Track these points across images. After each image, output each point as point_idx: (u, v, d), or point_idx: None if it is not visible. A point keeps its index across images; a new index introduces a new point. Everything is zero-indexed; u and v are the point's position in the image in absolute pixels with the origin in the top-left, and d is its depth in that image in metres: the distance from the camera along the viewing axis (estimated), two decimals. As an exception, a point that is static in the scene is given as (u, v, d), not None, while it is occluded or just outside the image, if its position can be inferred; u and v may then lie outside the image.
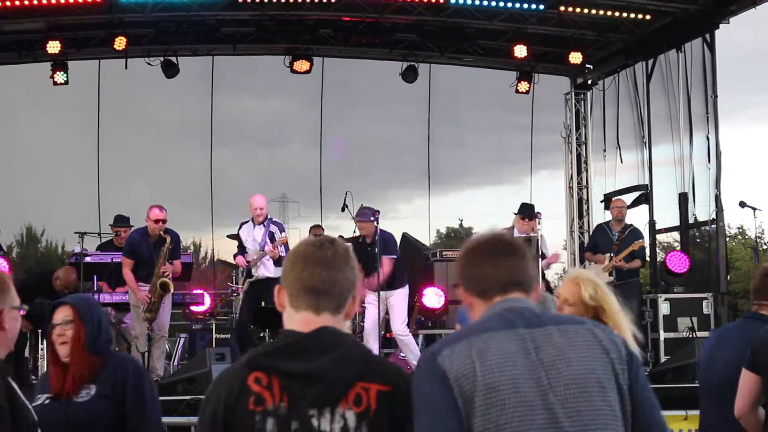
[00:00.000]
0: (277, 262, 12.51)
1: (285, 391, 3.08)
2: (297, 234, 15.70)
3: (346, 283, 3.22)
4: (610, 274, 13.60)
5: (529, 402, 2.98)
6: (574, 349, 3.10)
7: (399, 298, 12.75)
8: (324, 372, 3.06)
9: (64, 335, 5.05)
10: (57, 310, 5.12)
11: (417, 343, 14.23)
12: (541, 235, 13.54)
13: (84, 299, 5.38)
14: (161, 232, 12.21)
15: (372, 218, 12.69)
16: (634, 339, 4.80)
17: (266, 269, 12.61)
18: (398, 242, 16.66)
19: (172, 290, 12.10)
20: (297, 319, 3.18)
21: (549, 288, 14.14)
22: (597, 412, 3.03)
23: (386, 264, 12.65)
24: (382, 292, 12.45)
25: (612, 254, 13.63)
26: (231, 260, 15.03)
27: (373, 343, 12.44)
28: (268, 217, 12.96)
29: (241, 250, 13.10)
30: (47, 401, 5.08)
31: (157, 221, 12.19)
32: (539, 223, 13.85)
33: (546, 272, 13.87)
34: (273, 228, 12.74)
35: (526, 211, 13.52)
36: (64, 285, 12.45)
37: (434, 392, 3.00)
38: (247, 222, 13.02)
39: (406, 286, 13.01)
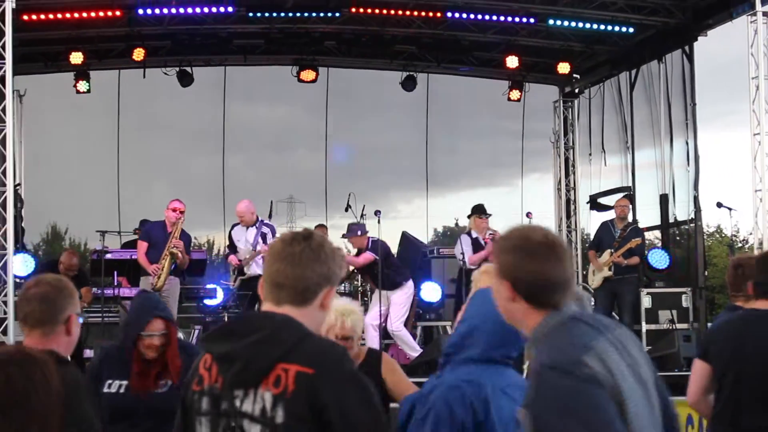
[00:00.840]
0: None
1: (220, 373, 3.03)
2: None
3: (314, 277, 3.11)
4: (609, 269, 13.57)
5: (642, 398, 2.96)
6: (636, 350, 3.07)
7: (400, 297, 12.73)
8: (241, 353, 2.97)
9: (152, 346, 5.21)
10: (151, 322, 5.23)
11: (416, 335, 14.24)
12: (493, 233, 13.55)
13: (163, 305, 5.58)
14: (178, 221, 12.24)
15: (359, 232, 12.77)
16: None
17: (258, 267, 12.59)
18: (398, 241, 16.72)
19: (180, 258, 12.04)
20: (262, 309, 3.15)
21: None
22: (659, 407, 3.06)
23: (363, 257, 12.71)
24: (384, 291, 12.49)
25: (612, 250, 13.57)
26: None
27: (372, 333, 12.46)
28: (259, 219, 12.96)
29: (232, 249, 13.13)
30: (123, 390, 5.21)
31: (174, 210, 12.19)
32: (530, 223, 13.79)
33: None
34: (265, 229, 12.75)
35: (480, 209, 13.50)
36: (66, 268, 12.44)
37: (598, 396, 2.82)
38: (238, 224, 13.03)
39: (408, 286, 12.99)
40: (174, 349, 5.32)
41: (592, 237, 14.98)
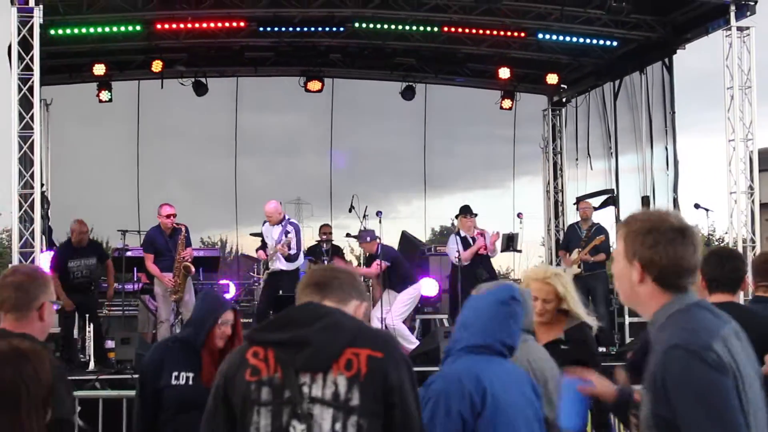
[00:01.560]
0: (288, 258, 12.58)
1: (279, 362, 2.95)
2: (309, 231, 15.69)
3: (343, 277, 3.26)
4: (579, 267, 13.67)
5: (760, 389, 2.86)
6: (748, 343, 2.95)
7: (403, 296, 12.80)
8: (311, 337, 2.93)
9: (224, 335, 5.29)
10: (225, 313, 5.32)
11: (414, 327, 14.29)
12: (491, 232, 13.59)
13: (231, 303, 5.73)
14: (174, 225, 12.32)
15: (368, 238, 12.85)
16: (588, 315, 4.86)
17: (280, 263, 12.66)
18: (398, 240, 16.76)
19: (193, 272, 12.16)
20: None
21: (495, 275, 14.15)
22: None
23: (374, 267, 12.88)
24: (391, 290, 12.66)
25: (579, 249, 13.70)
26: (253, 254, 15.10)
27: (376, 325, 12.52)
28: (286, 217, 13.00)
29: (263, 245, 13.19)
30: (191, 381, 5.20)
31: (168, 216, 12.31)
32: (521, 222, 13.88)
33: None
34: (288, 228, 12.79)
35: (466, 210, 13.58)
36: (79, 235, 12.49)
37: (727, 384, 2.71)
38: (265, 222, 13.10)
39: (415, 288, 13.05)
40: (240, 338, 5.36)
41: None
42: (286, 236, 12.60)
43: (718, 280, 5.12)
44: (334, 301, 3.10)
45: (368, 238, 12.88)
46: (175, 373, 5.20)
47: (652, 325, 2.93)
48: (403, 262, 13.28)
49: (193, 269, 12.21)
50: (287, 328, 2.98)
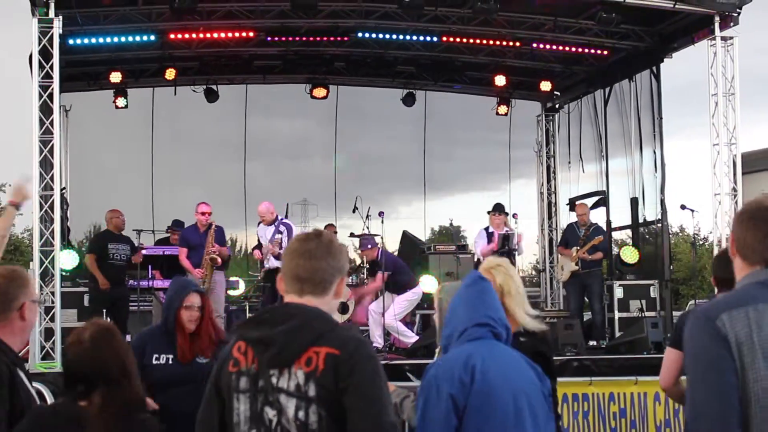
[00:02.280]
0: (278, 257, 12.59)
1: (256, 356, 3.13)
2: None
3: (328, 269, 3.23)
4: (577, 264, 13.66)
5: None
6: None
7: (402, 298, 12.76)
8: (276, 338, 3.08)
9: (192, 318, 5.62)
10: (189, 296, 5.63)
11: (415, 322, 14.27)
12: (517, 233, 13.58)
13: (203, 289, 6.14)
14: (207, 222, 12.37)
15: (369, 246, 12.82)
16: (527, 316, 4.75)
17: (274, 261, 12.68)
18: (399, 240, 16.75)
19: (219, 263, 12.20)
20: (285, 300, 3.25)
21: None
22: None
23: (377, 282, 12.79)
24: (392, 293, 12.54)
25: (578, 248, 13.69)
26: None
27: (375, 328, 12.53)
28: (279, 218, 13.00)
29: (259, 245, 13.26)
30: (170, 361, 5.63)
31: (203, 213, 12.38)
32: (516, 222, 13.87)
33: (518, 258, 13.87)
34: (281, 228, 12.77)
35: (496, 208, 13.58)
36: (116, 223, 12.77)
37: (714, 351, 2.77)
38: (261, 222, 13.13)
39: (414, 292, 13.00)
40: (208, 320, 5.68)
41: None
42: (277, 235, 12.61)
43: (726, 279, 5.21)
44: (313, 294, 3.21)
45: (369, 246, 12.84)
46: (156, 355, 5.60)
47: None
48: (404, 268, 13.13)
49: (219, 261, 12.24)
50: (259, 328, 3.16)
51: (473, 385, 3.55)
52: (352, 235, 14.87)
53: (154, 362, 5.57)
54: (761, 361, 2.75)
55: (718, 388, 2.76)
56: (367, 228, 13.26)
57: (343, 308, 13.88)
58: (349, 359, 3.05)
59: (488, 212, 13.73)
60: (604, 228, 14.50)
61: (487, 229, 13.57)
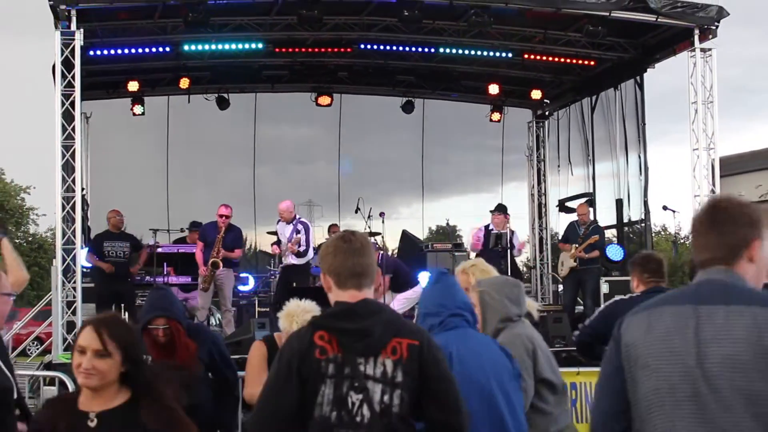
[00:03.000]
0: (297, 254, 12.60)
1: (340, 345, 3.24)
2: (320, 231, 15.70)
3: (373, 264, 3.45)
4: (575, 261, 13.68)
5: (679, 373, 2.65)
6: (731, 330, 2.63)
7: (402, 296, 12.76)
8: (371, 329, 3.23)
9: (158, 336, 5.42)
10: (154, 319, 5.43)
11: (413, 316, 14.26)
12: (512, 230, 13.61)
13: (168, 303, 5.65)
14: (225, 224, 12.43)
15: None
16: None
17: (292, 258, 12.69)
18: (399, 238, 16.76)
19: (220, 267, 12.25)
20: (346, 296, 3.34)
21: (517, 273, 14.17)
22: (739, 392, 2.59)
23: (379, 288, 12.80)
24: (392, 292, 12.49)
25: (576, 245, 13.67)
26: (269, 251, 15.13)
27: None
28: (297, 217, 13.01)
29: (278, 241, 13.24)
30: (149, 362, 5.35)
31: (220, 216, 12.46)
32: (508, 222, 13.90)
33: (516, 258, 13.90)
34: (299, 227, 12.78)
35: (497, 207, 13.62)
36: (113, 222, 12.75)
37: (610, 352, 2.83)
38: (280, 220, 13.11)
39: (413, 291, 12.98)
40: (181, 338, 5.46)
41: (560, 234, 15.13)
42: (296, 234, 12.62)
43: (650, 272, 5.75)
44: (369, 288, 3.39)
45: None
46: None
47: None
48: (403, 269, 13.06)
49: (220, 265, 12.30)
50: (352, 320, 3.28)
51: (452, 370, 3.70)
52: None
53: None
54: (643, 362, 2.74)
55: (605, 384, 2.85)
56: (369, 227, 13.27)
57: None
58: (428, 349, 3.28)
59: (490, 211, 13.81)
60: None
61: (487, 226, 13.63)
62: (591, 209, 14.71)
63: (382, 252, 12.95)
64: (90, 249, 12.81)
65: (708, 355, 2.65)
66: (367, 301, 3.35)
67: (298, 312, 5.73)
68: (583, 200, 16.00)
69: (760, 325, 2.63)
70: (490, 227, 13.51)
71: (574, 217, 14.83)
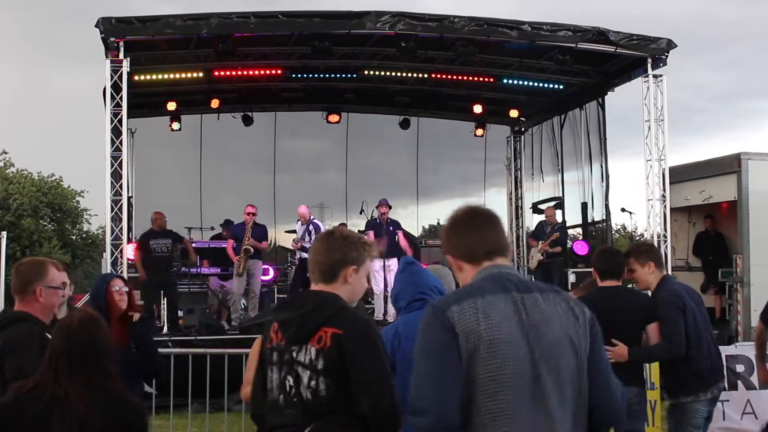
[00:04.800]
0: (306, 250, 12.63)
1: (283, 334, 3.13)
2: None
3: (331, 261, 3.16)
4: (542, 255, 13.77)
5: (520, 357, 2.50)
6: (555, 314, 2.59)
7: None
8: (296, 319, 3.07)
9: (120, 298, 4.84)
10: (112, 280, 4.90)
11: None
12: None
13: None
14: (252, 221, 12.45)
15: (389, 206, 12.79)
16: None
17: (305, 253, 12.73)
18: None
19: (252, 252, 12.27)
20: (315, 288, 3.22)
21: None
22: (570, 370, 2.56)
23: (402, 237, 12.72)
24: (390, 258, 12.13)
25: (543, 241, 13.79)
26: (287, 246, 15.15)
27: (381, 303, 12.44)
28: (311, 218, 13.06)
29: (296, 239, 13.31)
30: None
31: (248, 214, 12.48)
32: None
33: None
34: (311, 227, 12.80)
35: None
36: (157, 224, 12.69)
37: (441, 341, 2.51)
38: (298, 221, 13.17)
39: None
40: (133, 302, 4.95)
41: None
42: (308, 235, 12.64)
43: (606, 270, 5.40)
44: (323, 282, 3.17)
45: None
46: None
47: None
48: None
49: (252, 251, 12.37)
50: (286, 311, 3.16)
51: (399, 347, 3.73)
52: (359, 231, 14.94)
53: None
54: (484, 348, 2.48)
55: (439, 372, 2.48)
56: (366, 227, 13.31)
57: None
58: (352, 338, 2.98)
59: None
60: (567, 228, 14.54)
61: None
62: (557, 212, 14.78)
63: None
64: (137, 244, 12.87)
65: (540, 338, 2.54)
66: (309, 292, 3.18)
67: None
68: (551, 204, 16.04)
69: (572, 307, 2.63)
70: None
71: (543, 216, 14.92)
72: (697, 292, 5.76)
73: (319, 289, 3.16)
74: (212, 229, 15.30)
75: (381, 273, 12.20)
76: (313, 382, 2.99)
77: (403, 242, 12.67)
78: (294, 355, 3.05)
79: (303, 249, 12.69)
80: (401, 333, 3.81)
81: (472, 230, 2.75)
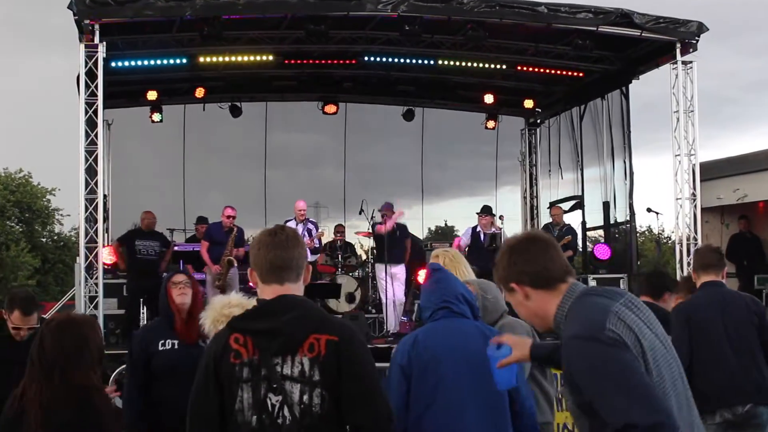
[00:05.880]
0: (313, 251, 12.61)
1: (256, 347, 3.00)
2: (327, 230, 15.69)
3: (299, 258, 3.15)
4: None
5: (664, 356, 2.72)
6: (649, 311, 2.82)
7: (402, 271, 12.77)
8: (283, 328, 2.98)
9: (181, 294, 5.32)
10: (174, 275, 5.41)
11: (413, 311, 14.27)
12: (504, 231, 13.60)
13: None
14: (232, 225, 12.41)
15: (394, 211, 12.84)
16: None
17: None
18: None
19: (235, 265, 12.23)
20: (268, 291, 3.12)
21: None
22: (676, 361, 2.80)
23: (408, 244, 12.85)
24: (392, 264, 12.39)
25: None
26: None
27: (391, 313, 12.45)
28: (307, 218, 13.05)
29: None
30: (176, 346, 5.25)
31: (228, 217, 12.43)
32: (502, 223, 13.87)
33: None
34: (310, 226, 12.82)
35: (484, 209, 13.54)
36: (146, 223, 12.79)
37: (628, 358, 2.60)
38: (291, 220, 13.09)
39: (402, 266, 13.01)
40: (200, 302, 5.38)
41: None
42: (309, 233, 12.65)
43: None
44: (292, 282, 3.12)
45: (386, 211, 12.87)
46: (161, 341, 5.26)
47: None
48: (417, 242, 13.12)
49: (235, 263, 12.30)
50: (263, 319, 3.04)
51: (416, 355, 3.80)
52: (358, 233, 14.96)
53: (160, 348, 5.24)
54: (648, 351, 2.65)
55: (645, 383, 2.55)
56: (371, 227, 13.29)
57: (350, 298, 13.89)
58: (349, 345, 2.99)
59: (477, 213, 13.73)
60: (578, 228, 14.48)
61: (474, 228, 13.56)
62: (563, 212, 14.71)
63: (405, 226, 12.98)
64: (119, 239, 12.89)
65: (660, 335, 2.79)
66: (284, 297, 3.06)
67: (218, 308, 4.73)
68: (562, 204, 16.01)
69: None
70: (478, 229, 13.45)
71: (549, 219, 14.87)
72: (746, 303, 5.46)
73: (285, 291, 3.09)
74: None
75: (386, 280, 12.28)
76: (305, 397, 2.93)
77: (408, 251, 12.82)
78: (279, 368, 2.97)
79: (314, 251, 12.69)
80: (420, 341, 3.86)
81: (544, 254, 2.88)
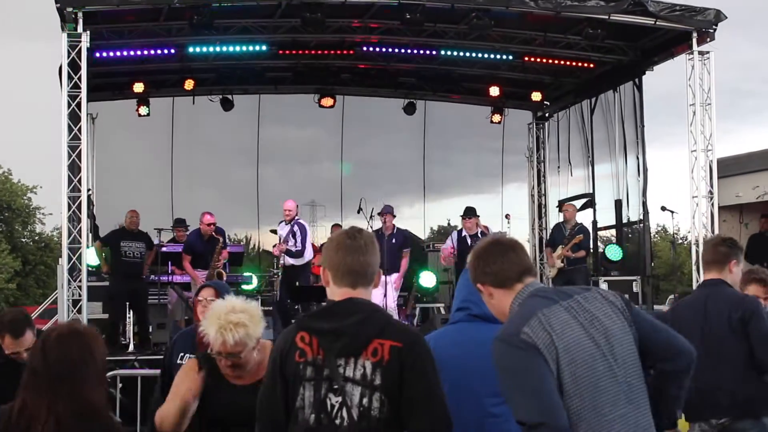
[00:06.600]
0: (289, 253, 12.58)
1: (321, 347, 3.15)
2: (323, 230, 15.71)
3: (374, 265, 3.31)
4: (562, 262, 13.61)
5: (592, 355, 3.02)
6: (599, 310, 3.13)
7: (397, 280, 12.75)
8: (347, 330, 3.13)
9: (204, 311, 5.16)
10: (202, 290, 5.37)
11: (415, 314, 14.29)
12: (486, 227, 13.54)
13: (220, 284, 5.66)
14: (212, 233, 12.41)
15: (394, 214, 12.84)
16: None
17: (290, 259, 12.70)
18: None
19: (225, 278, 12.22)
20: (338, 293, 3.25)
21: None
22: (631, 355, 3.09)
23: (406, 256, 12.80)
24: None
25: (562, 246, 13.65)
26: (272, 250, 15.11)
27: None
28: (295, 218, 12.99)
29: (278, 242, 13.25)
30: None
31: (209, 224, 12.45)
32: (509, 223, 13.85)
33: None
34: (295, 228, 12.75)
35: (466, 212, 13.42)
36: (129, 221, 12.72)
37: (532, 361, 2.97)
38: (283, 220, 13.10)
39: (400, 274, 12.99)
40: None
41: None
42: (291, 237, 12.61)
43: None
44: (364, 287, 3.26)
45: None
46: (181, 354, 5.26)
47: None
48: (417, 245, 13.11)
49: (224, 276, 12.31)
50: (329, 320, 3.19)
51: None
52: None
53: (177, 362, 5.19)
54: (563, 355, 3.00)
55: (539, 385, 2.95)
56: (371, 227, 13.28)
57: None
58: (411, 352, 3.12)
59: (460, 216, 13.57)
60: (589, 227, 14.46)
61: (460, 232, 13.42)
62: (576, 209, 14.68)
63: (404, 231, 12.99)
64: (103, 239, 12.88)
65: (602, 335, 3.13)
66: (351, 300, 3.22)
67: (223, 315, 4.31)
68: (573, 202, 16.01)
69: (606, 297, 3.24)
70: (463, 233, 13.31)
71: (560, 218, 14.83)
72: (730, 309, 5.21)
73: (356, 295, 3.24)
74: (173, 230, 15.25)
75: (381, 289, 12.25)
76: (365, 400, 3.07)
77: (403, 263, 12.77)
78: (341, 370, 3.11)
79: (289, 253, 12.65)
80: (431, 345, 3.86)
81: (502, 256, 3.27)
